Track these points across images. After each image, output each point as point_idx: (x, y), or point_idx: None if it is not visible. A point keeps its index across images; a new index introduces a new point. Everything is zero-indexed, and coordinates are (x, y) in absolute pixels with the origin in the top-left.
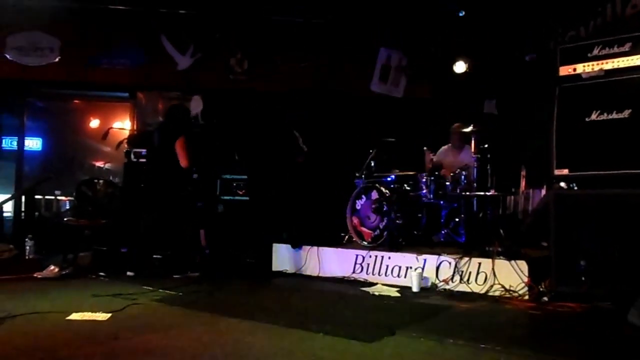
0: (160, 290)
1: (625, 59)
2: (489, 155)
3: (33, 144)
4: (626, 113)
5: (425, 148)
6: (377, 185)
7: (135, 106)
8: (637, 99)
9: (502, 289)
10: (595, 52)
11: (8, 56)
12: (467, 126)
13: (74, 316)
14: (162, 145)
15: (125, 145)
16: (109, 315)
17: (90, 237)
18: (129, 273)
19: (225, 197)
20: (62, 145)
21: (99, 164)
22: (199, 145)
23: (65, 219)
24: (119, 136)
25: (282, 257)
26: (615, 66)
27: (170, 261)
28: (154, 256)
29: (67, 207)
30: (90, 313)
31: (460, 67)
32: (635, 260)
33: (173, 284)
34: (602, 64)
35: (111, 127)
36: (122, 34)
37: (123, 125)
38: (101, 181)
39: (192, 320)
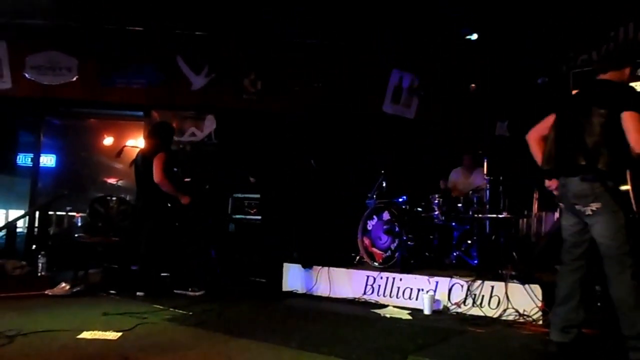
0: (171, 309)
1: (637, 83)
2: (501, 178)
3: (47, 160)
4: None
5: (441, 181)
6: (388, 206)
7: (149, 125)
8: None
9: (516, 314)
10: None
11: (27, 75)
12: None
13: (85, 335)
14: (142, 164)
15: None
16: (119, 334)
17: (102, 255)
18: (138, 293)
19: (237, 216)
20: (76, 162)
21: (112, 181)
22: (211, 164)
23: (77, 236)
24: (133, 154)
25: (293, 277)
26: None
27: (173, 277)
28: (162, 274)
29: (79, 223)
30: (100, 332)
31: (472, 89)
32: None
33: (183, 302)
34: None
35: (125, 145)
36: (138, 54)
37: (137, 143)
38: (114, 198)
39: (202, 340)
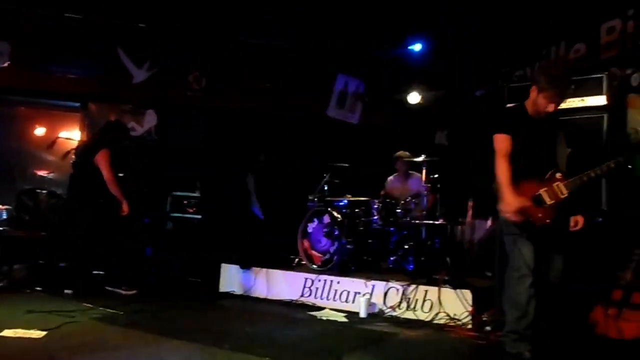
0: (101, 308)
1: (567, 100)
2: (438, 185)
3: None
4: (568, 152)
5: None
6: (329, 209)
7: (85, 117)
8: (578, 139)
9: (447, 317)
10: None
11: None
12: (411, 155)
13: (6, 333)
14: (83, 156)
15: (73, 156)
16: (44, 333)
17: (29, 250)
18: (66, 291)
19: (175, 215)
20: (4, 152)
21: (42, 173)
22: (151, 160)
23: (1, 229)
24: (66, 146)
25: (231, 278)
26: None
27: (106, 275)
28: (95, 272)
29: (4, 216)
30: (23, 330)
31: (413, 98)
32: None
33: (115, 301)
34: None
35: (59, 137)
36: (77, 43)
37: (71, 136)
38: (44, 191)
39: (132, 341)
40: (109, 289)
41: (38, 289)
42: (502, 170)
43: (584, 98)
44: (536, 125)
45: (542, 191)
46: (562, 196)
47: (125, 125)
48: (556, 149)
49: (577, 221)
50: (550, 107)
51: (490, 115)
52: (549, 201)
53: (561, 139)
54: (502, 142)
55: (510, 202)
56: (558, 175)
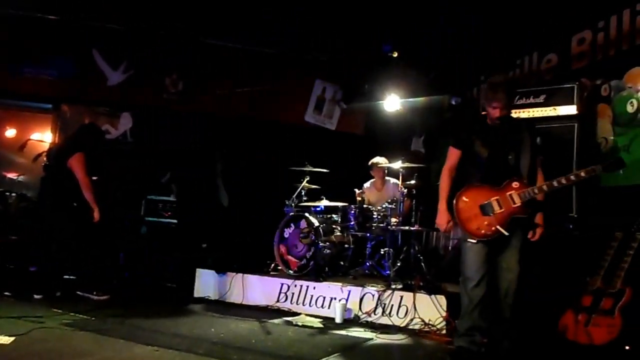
0: (72, 313)
1: (539, 109)
2: (414, 191)
3: None
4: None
5: (356, 190)
6: (306, 214)
7: (58, 118)
8: (551, 147)
9: (422, 323)
10: (514, 101)
11: None
12: (387, 161)
13: None
14: (55, 159)
15: (44, 159)
16: (12, 339)
17: None
18: (36, 296)
19: (150, 219)
20: None
21: (12, 175)
22: (125, 163)
23: None
24: (38, 148)
25: (206, 283)
26: (531, 115)
27: (78, 279)
28: (66, 277)
29: None
30: None
31: (390, 104)
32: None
33: (86, 307)
34: (520, 112)
35: (30, 139)
36: (50, 44)
37: (43, 137)
38: (14, 194)
39: (103, 346)
40: (80, 293)
41: (7, 293)
42: (441, 183)
43: (556, 107)
44: (494, 134)
45: (493, 199)
46: (514, 205)
47: (100, 129)
48: (520, 157)
49: (534, 232)
50: (495, 113)
51: (456, 124)
52: (497, 210)
53: (526, 146)
54: (449, 156)
55: (440, 214)
56: (515, 184)
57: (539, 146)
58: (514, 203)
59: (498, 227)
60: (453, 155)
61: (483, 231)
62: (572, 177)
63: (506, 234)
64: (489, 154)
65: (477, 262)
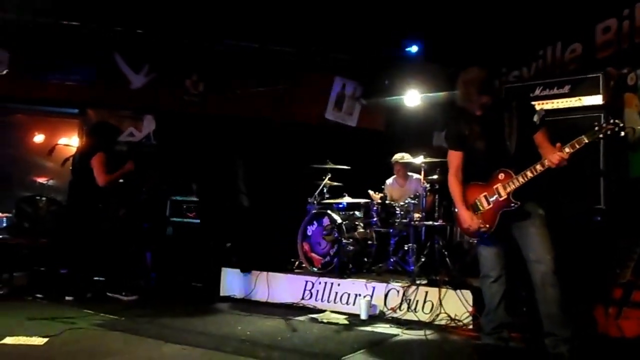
0: (102, 314)
1: (564, 100)
2: (437, 186)
3: None
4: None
5: (369, 191)
6: (328, 211)
7: (84, 123)
8: (573, 139)
9: (448, 318)
10: (537, 92)
11: None
12: (407, 156)
13: (8, 340)
14: (80, 162)
15: (71, 162)
16: (45, 339)
17: (29, 257)
18: (67, 298)
19: (175, 219)
20: (2, 159)
21: (42, 180)
22: (149, 165)
23: (0, 237)
24: (66, 153)
25: (231, 282)
26: (555, 107)
27: (107, 281)
28: (95, 278)
29: (4, 224)
30: (25, 337)
31: (411, 100)
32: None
33: (115, 307)
34: (543, 104)
35: (58, 144)
36: (74, 50)
37: (70, 142)
38: (43, 198)
39: (133, 346)
40: (110, 294)
41: (39, 296)
42: (451, 189)
43: (581, 97)
44: (478, 124)
45: (481, 196)
46: (501, 199)
47: (112, 125)
48: (511, 141)
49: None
50: (477, 111)
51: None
52: (485, 206)
53: (513, 127)
54: (450, 159)
55: (464, 218)
56: (500, 175)
57: (537, 123)
58: (500, 196)
59: (490, 224)
60: (454, 158)
61: (472, 229)
62: (546, 163)
63: (486, 229)
64: (476, 147)
65: (490, 259)
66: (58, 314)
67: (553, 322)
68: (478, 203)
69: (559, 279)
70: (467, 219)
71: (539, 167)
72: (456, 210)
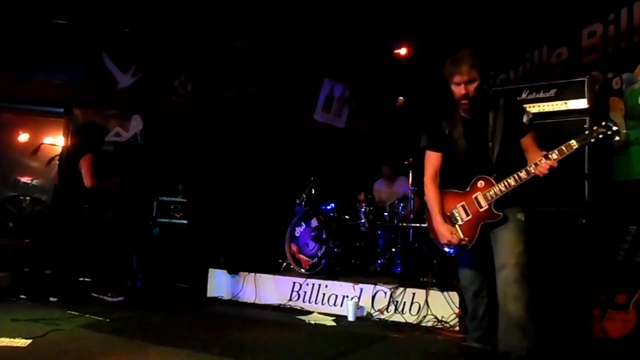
0: (87, 315)
1: (550, 103)
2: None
3: None
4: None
5: (358, 194)
6: (316, 213)
7: (70, 122)
8: (560, 142)
9: (435, 320)
10: (524, 95)
11: None
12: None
13: None
14: (67, 163)
15: (57, 162)
16: (29, 341)
17: (13, 257)
18: (52, 299)
19: (162, 220)
20: None
21: (26, 180)
22: (136, 166)
23: None
24: (51, 152)
25: (218, 283)
26: (541, 110)
27: (92, 282)
28: (81, 279)
29: None
30: (8, 339)
31: (399, 101)
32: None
33: (101, 308)
34: (530, 107)
35: (43, 143)
36: (60, 49)
37: (55, 141)
38: (28, 198)
39: (119, 347)
40: (95, 295)
41: (23, 297)
42: (428, 196)
43: (567, 101)
44: (462, 123)
45: (458, 206)
46: (482, 210)
47: (100, 125)
48: (495, 144)
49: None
50: (460, 90)
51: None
52: (463, 218)
53: (498, 128)
54: (427, 160)
55: (440, 230)
56: (480, 183)
57: (526, 124)
58: (481, 207)
59: (468, 237)
60: (433, 159)
61: (452, 245)
62: (532, 171)
63: (466, 243)
64: (464, 148)
65: (469, 272)
66: (42, 315)
67: (508, 341)
68: (456, 213)
69: (524, 289)
70: (446, 233)
71: (523, 174)
72: (433, 221)
